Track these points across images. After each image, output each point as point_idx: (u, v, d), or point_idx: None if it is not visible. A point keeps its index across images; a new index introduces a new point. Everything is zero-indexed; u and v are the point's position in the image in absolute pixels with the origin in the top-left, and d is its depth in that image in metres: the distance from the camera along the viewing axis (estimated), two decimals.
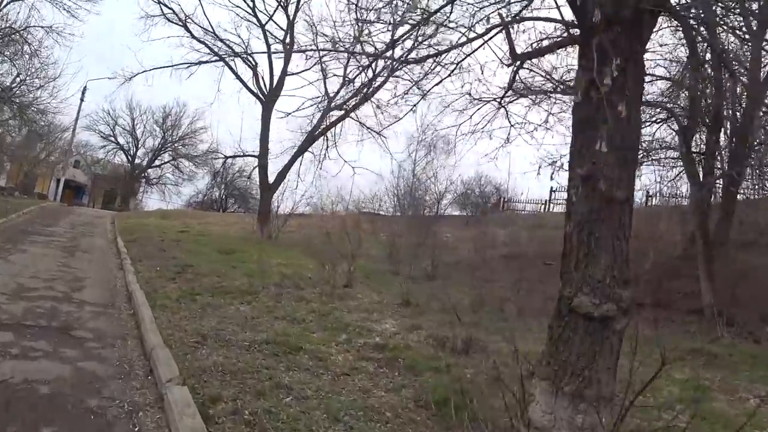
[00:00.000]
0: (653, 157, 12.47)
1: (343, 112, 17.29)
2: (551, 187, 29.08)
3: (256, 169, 18.76)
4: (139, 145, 49.72)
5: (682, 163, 11.34)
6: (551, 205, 29.02)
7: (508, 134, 8.44)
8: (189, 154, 49.52)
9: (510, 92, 7.23)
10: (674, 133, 11.34)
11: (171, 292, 8.35)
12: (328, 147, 18.05)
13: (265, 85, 18.94)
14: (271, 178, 18.93)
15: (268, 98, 18.71)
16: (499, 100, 7.77)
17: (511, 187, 29.88)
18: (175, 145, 49.87)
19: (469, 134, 8.41)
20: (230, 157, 18.36)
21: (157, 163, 50.37)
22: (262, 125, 18.65)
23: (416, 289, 10.97)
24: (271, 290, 9.13)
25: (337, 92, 19.22)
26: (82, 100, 35.99)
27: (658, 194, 17.11)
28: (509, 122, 8.30)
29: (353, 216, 27.52)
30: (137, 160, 49.90)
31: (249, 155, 18.46)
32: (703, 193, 9.99)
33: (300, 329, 6.72)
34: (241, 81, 18.73)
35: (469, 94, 7.69)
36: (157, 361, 4.83)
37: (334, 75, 16.78)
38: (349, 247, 11.36)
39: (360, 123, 17.52)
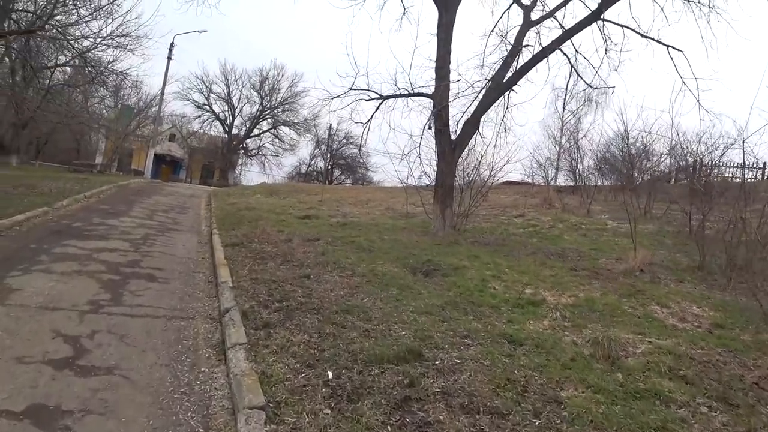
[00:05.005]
0: None
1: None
2: None
3: (424, 117, 11.14)
4: (236, 114, 44.45)
5: None
6: None
7: None
8: (290, 120, 43.65)
9: None
10: None
11: None
12: (575, 72, 10.11)
13: None
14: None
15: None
16: None
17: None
18: (275, 111, 44.14)
19: None
20: (388, 97, 10.93)
21: (255, 132, 44.97)
22: (439, 45, 11.02)
23: None
24: None
25: None
26: (169, 58, 30.60)
27: None
28: None
29: (540, 190, 19.57)
30: (234, 130, 44.70)
31: (420, 94, 10.95)
32: None
33: None
34: None
35: None
36: None
37: None
38: None
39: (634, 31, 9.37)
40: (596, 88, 10.96)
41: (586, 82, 10.99)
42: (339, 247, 7.99)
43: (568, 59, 11.06)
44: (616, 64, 10.90)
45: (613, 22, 10.42)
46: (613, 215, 14.57)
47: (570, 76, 11.44)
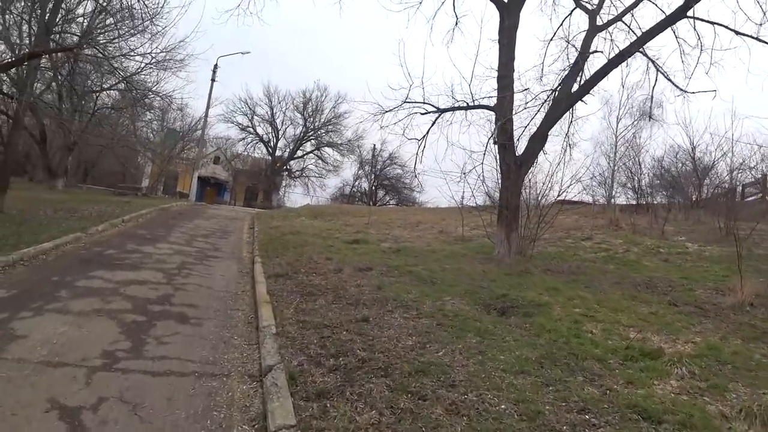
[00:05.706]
0: None
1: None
2: None
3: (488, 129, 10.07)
4: (280, 136, 44.40)
5: None
6: None
7: None
8: (333, 141, 43.30)
9: None
10: None
11: None
12: (664, 76, 8.90)
13: None
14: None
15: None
16: None
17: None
18: (318, 132, 43.88)
19: None
20: (446, 110, 9.93)
21: (299, 154, 44.80)
22: (501, 51, 9.98)
23: None
24: None
25: None
26: (213, 80, 30.51)
27: None
28: None
29: (602, 209, 18.13)
30: (278, 152, 44.62)
31: (481, 106, 9.90)
32: None
33: None
34: None
35: None
36: None
37: None
38: None
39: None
40: (693, 93, 9.62)
41: (679, 88, 9.68)
42: (396, 279, 6.96)
43: (653, 63, 9.80)
44: (707, 68, 9.55)
45: (702, 20, 9.12)
46: (690, 237, 13.07)
47: (656, 81, 10.15)
